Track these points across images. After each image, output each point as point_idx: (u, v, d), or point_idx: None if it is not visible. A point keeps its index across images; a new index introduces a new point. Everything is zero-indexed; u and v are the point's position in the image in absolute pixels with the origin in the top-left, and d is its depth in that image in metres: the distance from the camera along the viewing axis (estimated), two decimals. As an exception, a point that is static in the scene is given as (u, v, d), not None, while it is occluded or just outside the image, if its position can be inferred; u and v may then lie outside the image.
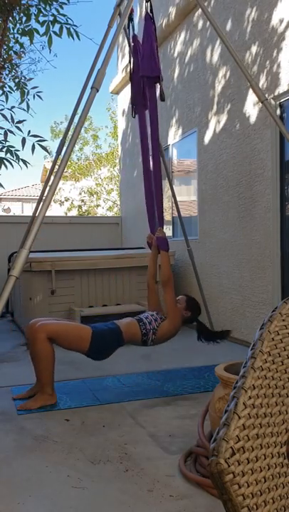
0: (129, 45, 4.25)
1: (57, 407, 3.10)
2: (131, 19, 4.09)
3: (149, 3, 3.86)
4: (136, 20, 4.76)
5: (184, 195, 6.56)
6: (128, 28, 4.13)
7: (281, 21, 4.10)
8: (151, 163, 3.98)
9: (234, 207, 4.92)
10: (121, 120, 9.41)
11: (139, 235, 7.88)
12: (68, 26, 4.54)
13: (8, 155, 4.04)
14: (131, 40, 4.11)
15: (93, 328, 3.23)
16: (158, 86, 3.99)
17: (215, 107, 5.32)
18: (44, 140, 4.09)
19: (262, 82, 4.39)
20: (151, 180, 3.96)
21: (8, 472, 2.23)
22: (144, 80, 3.91)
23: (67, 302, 5.41)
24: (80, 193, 16.16)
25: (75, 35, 4.58)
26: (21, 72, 4.80)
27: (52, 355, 3.12)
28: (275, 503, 0.77)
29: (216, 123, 5.30)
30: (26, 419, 2.92)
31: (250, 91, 4.51)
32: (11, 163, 4.05)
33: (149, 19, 3.86)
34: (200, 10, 5.13)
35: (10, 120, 4.12)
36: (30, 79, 4.80)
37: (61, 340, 3.14)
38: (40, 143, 4.05)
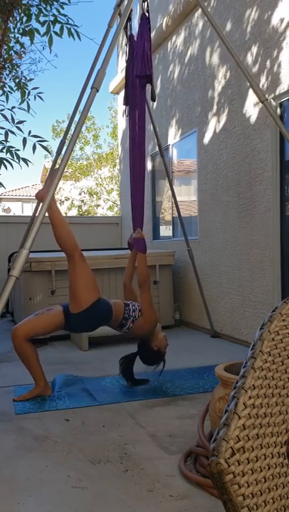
0: (126, 45, 4.25)
1: (57, 407, 3.11)
2: (129, 19, 4.09)
3: (146, 3, 3.86)
4: (135, 20, 4.76)
5: (183, 195, 6.57)
6: (126, 27, 4.13)
7: (281, 21, 4.10)
8: (133, 163, 3.99)
9: (234, 207, 4.92)
10: (121, 120, 9.41)
11: (139, 235, 7.87)
12: (69, 26, 4.54)
13: (8, 155, 4.04)
14: (128, 40, 4.11)
15: (62, 305, 3.43)
16: (149, 86, 3.99)
17: (215, 107, 5.32)
18: (45, 140, 4.09)
19: (262, 82, 4.39)
20: (133, 181, 3.99)
21: (8, 472, 2.23)
22: (137, 80, 3.92)
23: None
24: (80, 193, 16.16)
25: (75, 35, 4.58)
26: (22, 73, 4.79)
27: (32, 353, 3.33)
28: (275, 503, 0.77)
29: (216, 123, 5.30)
30: (26, 419, 2.92)
31: (250, 91, 4.51)
32: (10, 164, 4.05)
33: (145, 19, 3.86)
34: (200, 10, 5.13)
35: (10, 120, 4.12)
36: (31, 79, 4.79)
37: (39, 333, 3.40)
38: (41, 143, 4.05)
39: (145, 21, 3.85)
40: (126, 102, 4.09)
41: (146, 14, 3.86)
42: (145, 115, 3.96)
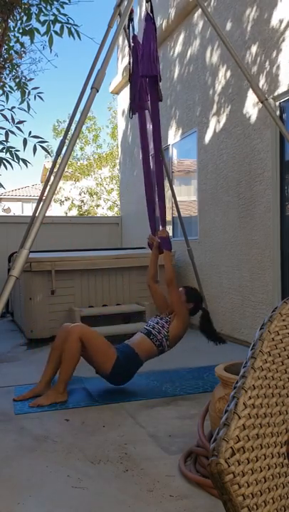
0: (129, 46, 4.25)
1: (56, 407, 3.10)
2: (131, 19, 4.09)
3: (149, 4, 3.87)
4: (135, 20, 4.76)
5: (183, 195, 6.57)
6: (128, 28, 4.13)
7: (281, 21, 4.10)
8: (151, 163, 3.98)
9: (234, 207, 4.92)
10: (121, 120, 9.41)
11: (139, 235, 7.88)
12: (69, 26, 4.54)
13: (8, 155, 4.04)
14: (131, 41, 4.11)
15: (117, 352, 3.30)
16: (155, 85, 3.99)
17: (215, 107, 5.32)
18: (45, 141, 4.09)
19: (262, 82, 4.39)
20: (152, 180, 3.96)
21: (8, 472, 2.23)
22: (144, 80, 3.92)
23: (67, 302, 5.41)
24: (80, 193, 16.16)
25: (75, 35, 4.58)
26: (22, 72, 4.79)
27: (77, 357, 3.21)
28: (275, 503, 0.77)
29: (216, 123, 5.30)
30: (26, 419, 2.92)
31: (250, 91, 4.51)
32: (10, 164, 4.05)
33: (150, 19, 3.86)
34: (200, 10, 5.13)
35: (10, 120, 4.12)
36: (31, 79, 4.79)
37: (90, 347, 3.22)
38: (41, 144, 4.05)
39: (150, 21, 3.85)
40: (133, 102, 4.09)
41: (151, 14, 3.87)
42: (159, 113, 3.96)
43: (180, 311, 3.47)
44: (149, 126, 3.99)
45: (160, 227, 3.98)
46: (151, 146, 4.01)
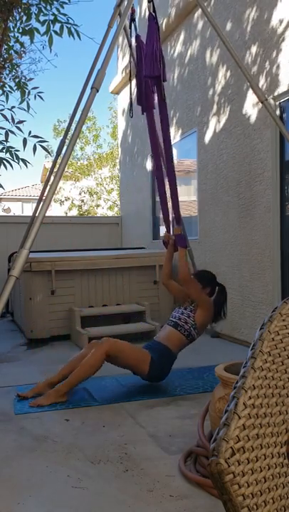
0: (130, 46, 4.25)
1: (56, 407, 3.10)
2: (133, 19, 4.10)
3: (151, 3, 3.87)
4: (136, 20, 4.75)
5: (184, 195, 6.56)
6: (130, 28, 4.13)
7: (281, 21, 4.10)
8: (164, 161, 3.99)
9: (234, 207, 4.92)
10: (121, 120, 9.41)
11: (139, 235, 7.89)
12: (69, 26, 4.54)
13: (8, 155, 4.04)
14: (134, 41, 4.12)
15: (150, 353, 3.33)
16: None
17: (215, 107, 5.32)
18: (45, 141, 4.09)
19: (262, 82, 4.39)
20: (164, 179, 3.98)
21: (8, 472, 2.23)
22: (149, 80, 3.94)
23: (67, 302, 5.41)
24: (80, 193, 16.16)
25: (75, 35, 4.58)
26: (22, 72, 4.80)
27: (94, 371, 3.20)
28: (275, 503, 0.77)
29: (216, 123, 5.30)
30: (26, 419, 2.92)
31: (250, 91, 4.51)
32: (10, 164, 4.05)
33: (152, 19, 3.86)
34: (200, 10, 5.13)
35: (10, 120, 4.12)
36: (31, 79, 4.79)
37: (120, 359, 3.26)
38: (41, 144, 4.05)
39: (153, 21, 3.85)
40: (139, 103, 4.10)
41: (153, 14, 3.87)
42: (167, 111, 3.97)
43: (201, 300, 3.51)
44: (157, 125, 4.01)
45: (169, 226, 4.00)
46: (161, 144, 4.03)
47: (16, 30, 4.75)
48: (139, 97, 4.08)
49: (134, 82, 4.35)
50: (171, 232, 4.09)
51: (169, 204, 4.04)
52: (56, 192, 11.09)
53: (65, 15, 4.54)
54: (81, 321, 5.14)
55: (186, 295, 3.67)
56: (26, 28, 4.63)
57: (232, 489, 0.71)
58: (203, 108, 5.61)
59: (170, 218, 4.07)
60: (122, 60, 8.75)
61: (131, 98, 4.28)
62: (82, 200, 16.20)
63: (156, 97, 3.95)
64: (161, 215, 7.34)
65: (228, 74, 5.03)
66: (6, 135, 4.04)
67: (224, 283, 5.15)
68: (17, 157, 4.05)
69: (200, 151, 5.71)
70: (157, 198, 7.39)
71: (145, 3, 3.98)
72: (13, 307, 6.62)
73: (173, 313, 3.64)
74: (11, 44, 4.85)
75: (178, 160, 6.70)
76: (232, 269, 4.99)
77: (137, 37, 4.08)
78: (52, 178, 3.31)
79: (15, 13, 4.53)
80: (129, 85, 4.43)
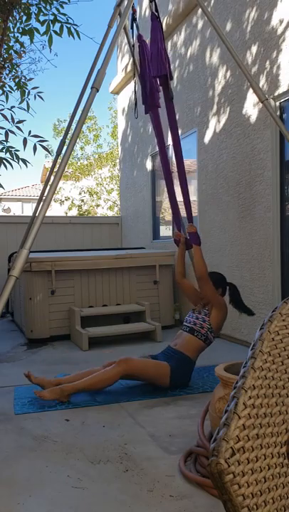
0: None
1: (56, 407, 3.11)
2: (134, 19, 4.10)
3: (153, 3, 3.87)
4: (137, 20, 4.75)
5: (184, 195, 6.56)
6: (132, 28, 4.13)
7: (281, 21, 4.10)
8: (174, 161, 4.01)
9: (234, 207, 4.92)
10: (121, 120, 9.41)
11: (139, 235, 7.89)
12: (69, 25, 4.54)
13: (8, 155, 4.04)
14: (136, 40, 4.12)
15: (168, 363, 3.36)
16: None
17: (215, 107, 5.32)
18: (45, 140, 4.09)
19: (262, 82, 4.39)
20: (173, 178, 3.99)
21: (8, 472, 2.23)
22: (155, 79, 3.95)
23: (67, 302, 5.41)
24: (80, 193, 16.16)
25: (75, 35, 4.58)
26: (21, 72, 4.79)
27: (102, 386, 3.25)
28: (275, 503, 0.77)
29: (216, 123, 5.30)
30: (26, 419, 2.92)
31: (250, 91, 4.51)
32: (10, 164, 4.04)
33: (155, 18, 3.86)
34: (200, 10, 5.13)
35: (10, 120, 4.12)
36: (31, 79, 4.79)
37: (140, 376, 3.31)
38: (41, 143, 4.05)
39: (156, 21, 3.86)
40: (144, 102, 4.10)
41: (156, 14, 3.87)
42: (174, 110, 3.98)
43: (216, 301, 3.49)
44: (167, 125, 4.01)
45: (178, 224, 4.00)
46: (168, 142, 4.05)
47: (15, 30, 4.75)
48: (144, 98, 4.09)
49: (136, 81, 4.35)
50: (181, 231, 4.09)
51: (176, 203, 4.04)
52: (56, 192, 11.09)
53: (64, 15, 4.54)
54: (81, 321, 5.14)
55: (199, 296, 3.65)
56: (26, 28, 4.63)
57: (232, 489, 0.71)
58: (203, 108, 5.61)
59: (180, 217, 4.06)
60: (122, 60, 8.75)
61: (136, 98, 4.28)
62: (82, 200, 16.19)
63: (162, 96, 3.98)
64: (161, 215, 7.36)
65: (228, 74, 5.03)
66: (6, 135, 4.04)
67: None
68: (17, 157, 4.05)
69: (200, 151, 5.71)
70: (157, 198, 7.42)
71: (145, 3, 3.99)
72: (13, 307, 6.62)
73: (187, 318, 3.62)
74: (10, 44, 4.84)
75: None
76: (232, 269, 4.98)
77: (139, 36, 4.08)
78: (52, 178, 3.30)
79: (15, 13, 4.53)
80: (129, 85, 4.44)
